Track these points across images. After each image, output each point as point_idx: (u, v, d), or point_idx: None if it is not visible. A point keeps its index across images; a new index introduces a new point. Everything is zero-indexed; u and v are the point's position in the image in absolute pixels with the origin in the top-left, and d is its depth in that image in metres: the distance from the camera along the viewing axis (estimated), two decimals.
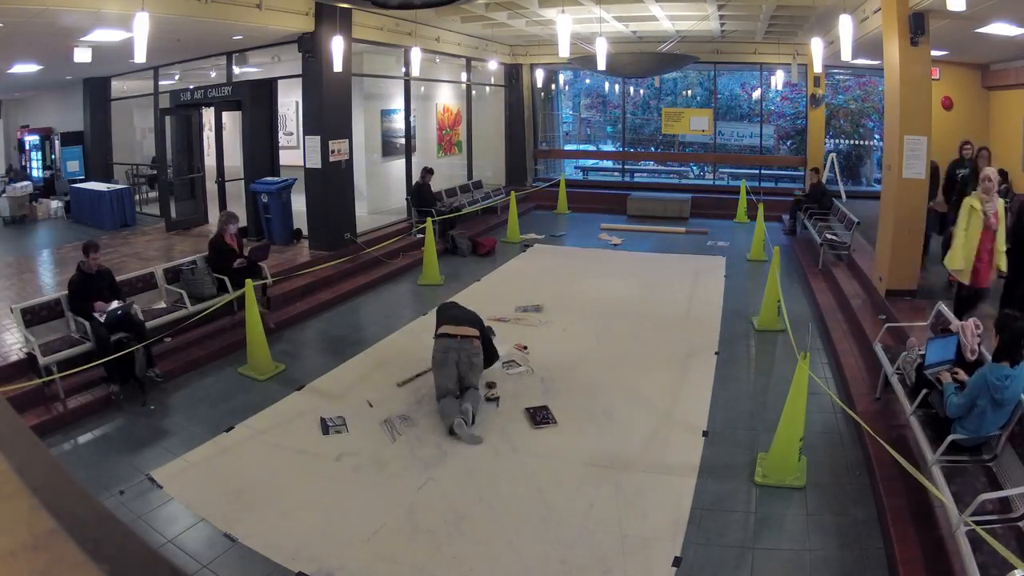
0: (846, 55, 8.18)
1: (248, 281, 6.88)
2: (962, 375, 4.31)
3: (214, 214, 12.13)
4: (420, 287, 9.85)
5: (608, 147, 20.19)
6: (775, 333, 7.64)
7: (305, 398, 6.22)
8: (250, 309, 6.71)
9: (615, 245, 12.52)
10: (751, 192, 14.43)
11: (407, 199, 12.62)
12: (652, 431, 5.55)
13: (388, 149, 13.00)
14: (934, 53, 7.88)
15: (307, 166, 10.31)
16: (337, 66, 9.60)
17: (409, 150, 13.06)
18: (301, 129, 11.10)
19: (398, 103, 12.91)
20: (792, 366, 4.89)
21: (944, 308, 5.63)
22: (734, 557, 4.02)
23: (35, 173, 15.65)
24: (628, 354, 7.20)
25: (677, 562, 3.94)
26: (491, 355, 6.15)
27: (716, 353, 7.14)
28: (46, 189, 14.89)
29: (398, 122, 12.91)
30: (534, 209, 16.06)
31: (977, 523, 3.33)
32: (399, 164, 13.02)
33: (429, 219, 10.05)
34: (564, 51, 9.25)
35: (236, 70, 11.52)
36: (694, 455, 5.12)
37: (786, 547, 4.09)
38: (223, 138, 11.53)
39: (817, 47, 10.71)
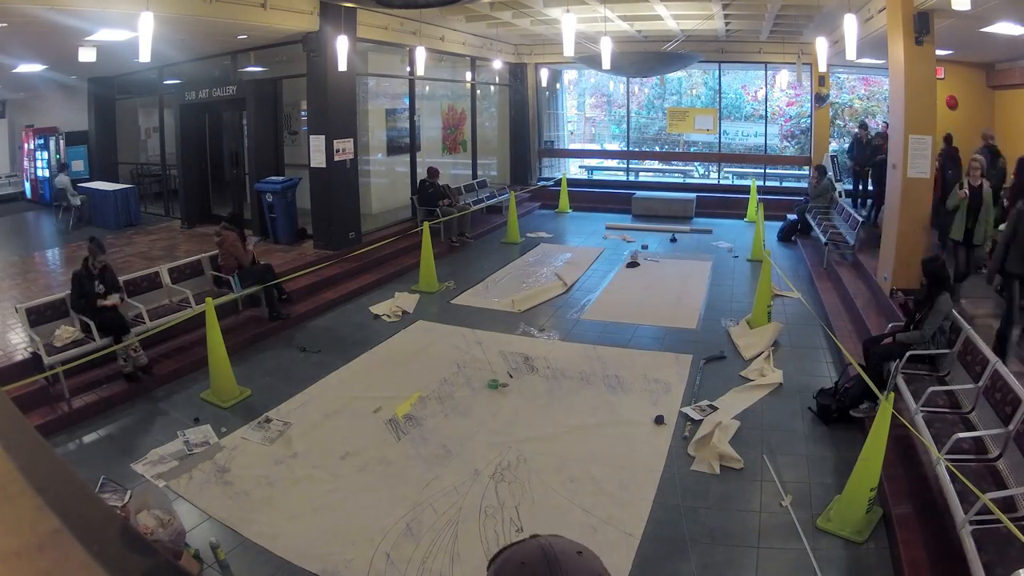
0: (851, 54, 8.16)
1: (208, 300, 6.32)
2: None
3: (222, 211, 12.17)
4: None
5: (613, 146, 20.13)
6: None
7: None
8: (211, 330, 6.09)
9: (629, 243, 12.51)
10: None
11: (412, 199, 12.64)
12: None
13: (393, 148, 12.99)
14: (939, 52, 7.85)
15: (312, 165, 10.32)
16: (342, 65, 9.60)
17: (414, 149, 13.07)
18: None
19: (402, 102, 12.91)
20: None
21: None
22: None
23: (39, 173, 15.70)
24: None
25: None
26: None
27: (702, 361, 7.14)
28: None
29: (403, 121, 12.92)
30: (538, 208, 16.07)
31: (982, 522, 3.32)
32: (404, 162, 13.05)
33: (426, 223, 9.96)
34: (569, 50, 9.24)
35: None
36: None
37: (792, 546, 4.08)
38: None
39: (822, 46, 10.69)
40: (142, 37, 6.69)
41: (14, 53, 9.66)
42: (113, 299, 6.42)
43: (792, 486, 4.70)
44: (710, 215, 14.78)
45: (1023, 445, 3.88)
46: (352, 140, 10.45)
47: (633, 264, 10.72)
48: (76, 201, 13.01)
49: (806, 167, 15.75)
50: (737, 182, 16.66)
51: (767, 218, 11.63)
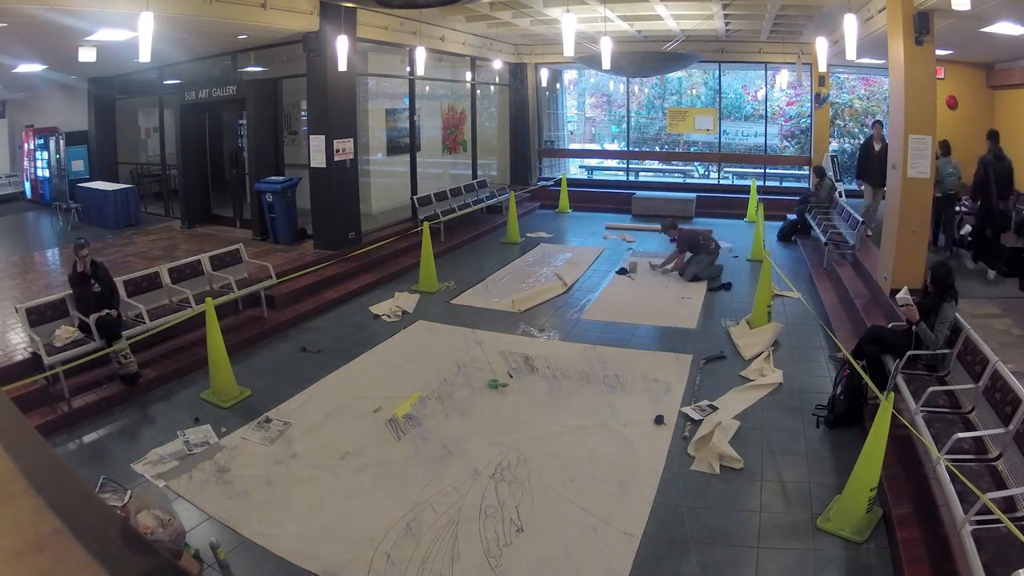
0: (851, 54, 8.16)
1: (208, 300, 6.31)
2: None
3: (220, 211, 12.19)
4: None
5: (613, 146, 20.15)
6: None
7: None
8: (211, 330, 6.11)
9: (629, 243, 12.48)
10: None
11: (412, 199, 12.66)
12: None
13: (393, 148, 12.97)
14: (939, 52, 7.84)
15: (312, 165, 10.32)
16: (342, 65, 9.60)
17: (414, 149, 13.07)
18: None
19: (402, 102, 12.91)
20: None
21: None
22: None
23: (39, 173, 15.70)
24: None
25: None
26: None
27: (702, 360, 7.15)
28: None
29: (403, 121, 12.92)
30: (538, 208, 16.06)
31: (982, 522, 3.32)
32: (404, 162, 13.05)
33: (426, 223, 9.96)
34: (569, 50, 9.23)
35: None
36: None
37: (792, 546, 4.08)
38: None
39: (822, 46, 10.69)
40: (142, 37, 6.68)
41: (14, 53, 9.66)
42: (96, 315, 6.29)
43: (792, 486, 4.71)
44: (710, 215, 14.78)
45: (1023, 445, 3.89)
46: (352, 140, 10.45)
47: (623, 272, 10.40)
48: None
49: (806, 167, 15.77)
50: (737, 182, 16.67)
51: (767, 218, 11.62)
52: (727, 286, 9.56)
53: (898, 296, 5.57)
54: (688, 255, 10.05)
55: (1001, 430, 4.08)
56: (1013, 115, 11.25)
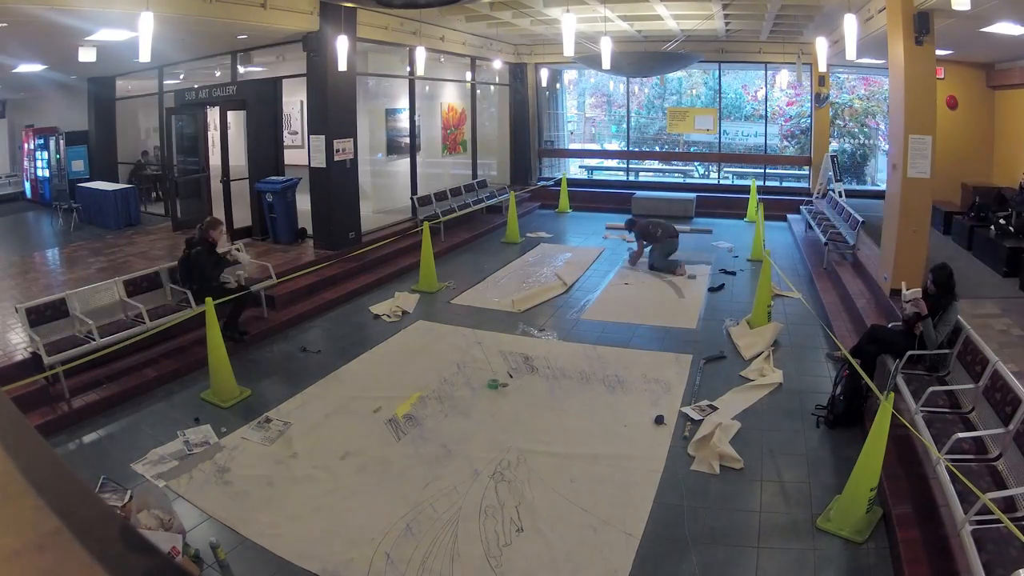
0: (851, 54, 8.16)
1: (208, 300, 6.19)
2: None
3: (218, 213, 12.16)
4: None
5: (613, 146, 20.16)
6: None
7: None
8: (211, 330, 6.10)
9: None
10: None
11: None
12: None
13: (393, 148, 12.98)
14: (939, 52, 7.85)
15: (312, 165, 10.31)
16: (342, 65, 9.61)
17: (414, 149, 13.08)
18: (306, 128, 11.03)
19: (403, 102, 12.91)
20: None
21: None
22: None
23: (39, 173, 15.70)
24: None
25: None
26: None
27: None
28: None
29: (403, 121, 12.91)
30: (538, 208, 16.07)
31: (982, 522, 3.32)
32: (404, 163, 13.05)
33: (426, 223, 9.97)
34: (569, 50, 9.24)
35: (240, 69, 11.52)
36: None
37: (792, 546, 4.08)
38: (227, 137, 11.49)
39: (822, 46, 10.70)
40: (142, 37, 6.68)
41: (14, 53, 9.66)
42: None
43: (792, 486, 4.71)
44: (710, 215, 14.80)
45: (1023, 445, 3.88)
46: (352, 140, 10.45)
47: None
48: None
49: (806, 167, 15.78)
50: (737, 182, 16.68)
51: (767, 218, 11.62)
52: (725, 284, 9.61)
53: (904, 293, 5.57)
54: (648, 246, 10.52)
55: (1001, 430, 4.08)
56: (1013, 115, 11.25)
